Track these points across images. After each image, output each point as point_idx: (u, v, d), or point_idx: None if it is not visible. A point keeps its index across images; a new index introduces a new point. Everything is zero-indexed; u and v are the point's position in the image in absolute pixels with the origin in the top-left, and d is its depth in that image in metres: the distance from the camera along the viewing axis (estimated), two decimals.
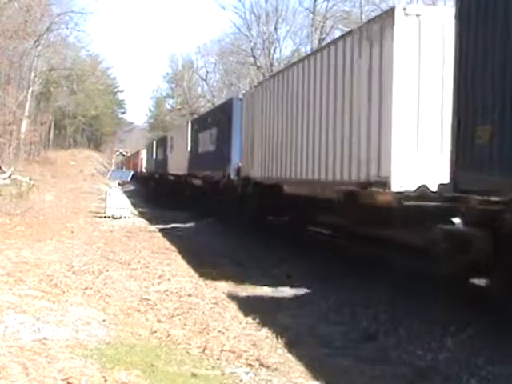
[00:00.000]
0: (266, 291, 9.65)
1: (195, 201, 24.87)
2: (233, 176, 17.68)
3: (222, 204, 19.97)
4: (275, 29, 45.22)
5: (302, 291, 9.53)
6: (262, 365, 5.87)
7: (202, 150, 23.23)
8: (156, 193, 37.39)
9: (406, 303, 8.21)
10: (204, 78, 60.75)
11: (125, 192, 34.37)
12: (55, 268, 9.56)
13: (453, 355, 6.15)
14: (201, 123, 24.73)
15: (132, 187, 48.51)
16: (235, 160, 17.74)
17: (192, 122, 27.13)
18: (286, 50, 66.99)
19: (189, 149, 25.85)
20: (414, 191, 8.24)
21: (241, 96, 18.96)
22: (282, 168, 13.55)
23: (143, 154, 51.27)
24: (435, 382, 5.61)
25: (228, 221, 18.83)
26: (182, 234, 17.51)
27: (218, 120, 20.58)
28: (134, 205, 28.07)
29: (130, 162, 63.47)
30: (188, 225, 20.21)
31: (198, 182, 24.06)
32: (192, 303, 8.26)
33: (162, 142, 37.29)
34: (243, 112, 17.36)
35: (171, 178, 31.65)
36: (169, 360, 5.79)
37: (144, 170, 49.36)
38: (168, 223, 20.04)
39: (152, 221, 20.83)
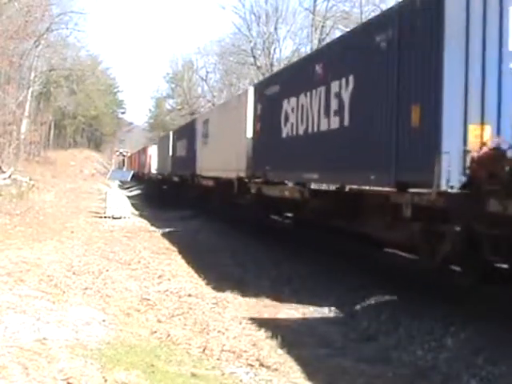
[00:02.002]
0: None
1: (281, 235, 15.13)
2: (448, 185, 6.87)
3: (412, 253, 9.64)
4: (275, 29, 45.27)
5: None
6: (262, 365, 5.87)
7: (296, 133, 11.98)
8: (175, 205, 26.17)
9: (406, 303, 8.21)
10: (204, 78, 60.78)
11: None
12: (55, 268, 9.55)
13: (453, 355, 6.15)
14: (290, 80, 12.92)
15: (137, 191, 40.90)
16: (454, 144, 6.90)
17: (258, 86, 15.83)
18: (285, 50, 66.85)
19: (248, 134, 15.69)
20: None
21: None
22: None
23: (152, 151, 40.35)
24: (435, 382, 5.62)
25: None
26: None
27: (363, 58, 9.08)
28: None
29: (133, 161, 55.24)
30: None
31: (286, 193, 13.30)
32: (192, 303, 8.26)
33: (186, 132, 26.77)
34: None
35: (205, 182, 21.67)
36: (169, 360, 5.79)
37: (154, 172, 38.04)
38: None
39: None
